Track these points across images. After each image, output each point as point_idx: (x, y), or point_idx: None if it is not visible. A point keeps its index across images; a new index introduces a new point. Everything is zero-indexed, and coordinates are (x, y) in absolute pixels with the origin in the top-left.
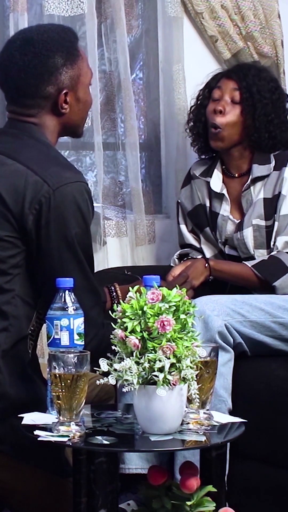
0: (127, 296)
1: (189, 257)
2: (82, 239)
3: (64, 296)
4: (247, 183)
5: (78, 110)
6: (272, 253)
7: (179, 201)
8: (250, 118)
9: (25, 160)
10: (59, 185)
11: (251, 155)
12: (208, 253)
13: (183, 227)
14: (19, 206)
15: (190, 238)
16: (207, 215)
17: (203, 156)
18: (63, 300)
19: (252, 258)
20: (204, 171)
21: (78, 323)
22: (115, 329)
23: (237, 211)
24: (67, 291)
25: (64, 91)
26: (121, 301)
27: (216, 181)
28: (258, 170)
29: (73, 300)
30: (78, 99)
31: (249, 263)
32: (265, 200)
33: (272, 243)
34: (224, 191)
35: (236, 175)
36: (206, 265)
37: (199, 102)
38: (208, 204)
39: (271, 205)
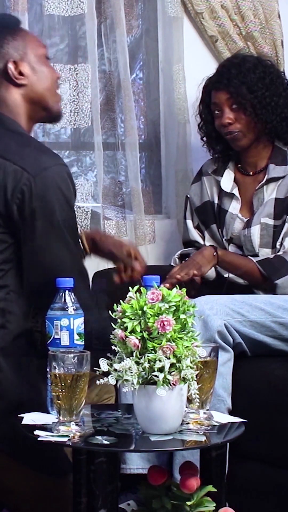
0: (127, 296)
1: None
2: (68, 223)
3: (64, 296)
4: (262, 182)
5: (38, 80)
6: (279, 253)
7: (188, 196)
8: (255, 115)
9: (0, 152)
10: (38, 171)
11: (269, 154)
12: None
13: (189, 222)
14: (1, 199)
15: (194, 234)
16: (215, 212)
17: (210, 149)
18: (63, 300)
19: (256, 256)
20: (216, 169)
21: (78, 323)
22: (107, 313)
23: (246, 210)
24: (67, 291)
25: (12, 60)
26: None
27: (227, 180)
28: (274, 171)
29: (73, 300)
30: (34, 69)
31: (255, 259)
32: (277, 200)
33: (279, 243)
34: (235, 191)
35: (251, 173)
36: (215, 253)
37: (204, 119)
38: (217, 201)
39: (282, 205)
